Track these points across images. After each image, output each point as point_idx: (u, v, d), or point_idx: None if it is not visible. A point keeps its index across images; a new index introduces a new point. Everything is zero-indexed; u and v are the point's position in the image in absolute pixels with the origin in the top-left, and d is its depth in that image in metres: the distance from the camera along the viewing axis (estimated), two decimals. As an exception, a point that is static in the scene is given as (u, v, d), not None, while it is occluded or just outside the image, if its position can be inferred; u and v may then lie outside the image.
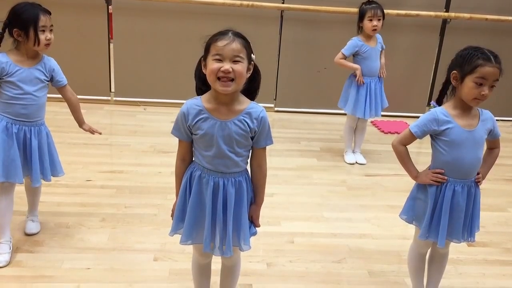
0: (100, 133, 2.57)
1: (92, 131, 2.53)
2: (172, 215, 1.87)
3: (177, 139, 1.79)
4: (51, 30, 2.28)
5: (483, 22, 4.68)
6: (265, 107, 1.80)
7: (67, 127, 4.08)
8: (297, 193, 3.25)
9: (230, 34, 1.62)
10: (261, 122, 1.72)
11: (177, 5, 4.47)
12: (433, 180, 1.95)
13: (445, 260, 2.17)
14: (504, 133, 4.72)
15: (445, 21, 4.77)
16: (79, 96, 4.93)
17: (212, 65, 1.61)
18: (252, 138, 1.73)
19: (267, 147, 1.78)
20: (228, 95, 1.67)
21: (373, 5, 3.51)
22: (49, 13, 2.27)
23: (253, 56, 1.69)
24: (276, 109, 4.87)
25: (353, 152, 3.87)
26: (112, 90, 4.76)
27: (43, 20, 2.21)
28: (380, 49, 3.66)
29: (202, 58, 1.69)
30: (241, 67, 1.62)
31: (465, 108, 1.91)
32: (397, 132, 4.55)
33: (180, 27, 4.57)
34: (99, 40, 4.58)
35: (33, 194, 2.55)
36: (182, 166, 1.80)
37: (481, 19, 4.66)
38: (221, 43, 1.60)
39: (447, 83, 1.95)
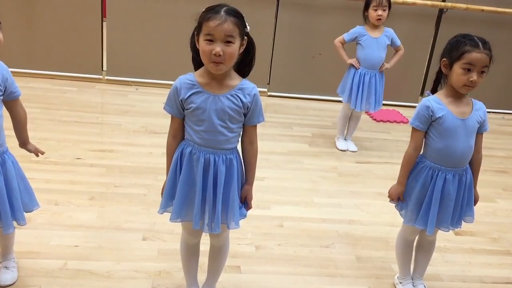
0: (43, 153, 2.07)
1: (37, 153, 2.02)
2: (162, 194, 1.86)
3: (169, 119, 1.78)
4: None
5: (479, 13, 4.67)
6: (258, 91, 1.79)
7: (57, 104, 4.06)
8: (288, 177, 3.25)
9: (222, 12, 1.58)
10: (253, 98, 1.72)
11: (173, -15, 4.42)
12: (393, 198, 2.05)
13: (432, 247, 2.19)
14: (495, 125, 4.79)
15: (441, 11, 4.76)
16: (71, 74, 4.94)
17: (204, 46, 1.60)
18: (244, 115, 1.73)
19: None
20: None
21: None
22: None
23: (247, 29, 1.66)
24: (269, 93, 4.86)
25: (345, 139, 3.88)
26: (104, 69, 4.71)
27: None
28: (387, 42, 3.56)
29: (195, 33, 1.67)
30: (232, 49, 1.61)
31: (457, 96, 1.91)
32: (389, 121, 4.56)
33: (174, 7, 4.52)
34: (92, 18, 4.52)
35: (4, 238, 2.00)
36: (174, 144, 1.79)
37: (477, 10, 4.65)
38: (212, 23, 1.57)
39: (440, 72, 1.95)
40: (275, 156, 3.54)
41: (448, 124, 1.90)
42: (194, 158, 1.73)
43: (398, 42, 3.62)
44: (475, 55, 1.80)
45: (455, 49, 1.85)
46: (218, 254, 2.01)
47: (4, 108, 1.85)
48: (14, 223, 1.88)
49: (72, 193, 2.75)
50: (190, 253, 2.00)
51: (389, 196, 2.08)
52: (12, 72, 1.83)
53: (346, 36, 3.56)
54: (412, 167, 2.01)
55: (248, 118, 1.74)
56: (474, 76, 1.81)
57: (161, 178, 2.99)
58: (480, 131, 1.96)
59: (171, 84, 1.74)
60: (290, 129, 4.13)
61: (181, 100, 1.70)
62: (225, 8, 1.60)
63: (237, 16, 1.61)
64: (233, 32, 1.59)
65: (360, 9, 3.62)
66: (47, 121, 3.69)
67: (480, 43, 1.81)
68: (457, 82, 1.85)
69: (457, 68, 1.84)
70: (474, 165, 2.01)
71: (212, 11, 1.60)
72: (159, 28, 4.58)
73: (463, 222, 2.07)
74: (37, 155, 2.04)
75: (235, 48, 1.61)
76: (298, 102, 4.82)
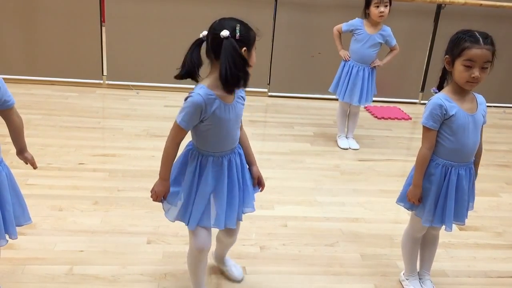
0: (36, 168, 2.00)
1: (33, 164, 1.97)
2: (163, 198, 1.87)
3: (170, 123, 1.79)
4: None
5: (477, 7, 4.67)
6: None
7: (59, 110, 4.07)
8: (291, 177, 3.26)
9: None
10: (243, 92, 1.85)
11: (171, -12, 4.42)
12: (414, 202, 2.00)
13: (437, 241, 2.19)
14: (497, 119, 4.78)
15: (439, 6, 4.75)
16: (71, 80, 4.95)
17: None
18: None
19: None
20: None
21: None
22: None
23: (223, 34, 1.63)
24: (269, 94, 4.85)
25: (346, 137, 3.88)
26: (105, 73, 4.72)
27: None
28: (379, 41, 3.56)
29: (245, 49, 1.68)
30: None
31: (463, 93, 1.91)
32: (390, 118, 4.56)
33: (173, 10, 4.53)
34: (91, 23, 4.53)
35: None
36: (176, 151, 1.84)
37: (475, 5, 4.64)
38: None
39: (445, 68, 1.94)
40: (277, 156, 3.54)
41: (461, 121, 1.89)
42: (218, 163, 1.81)
43: (394, 42, 3.62)
44: (475, 51, 1.79)
45: (455, 46, 1.84)
46: (229, 247, 2.15)
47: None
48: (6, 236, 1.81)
49: (75, 198, 2.76)
50: (201, 260, 1.94)
51: (408, 201, 2.02)
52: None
53: (344, 26, 3.61)
54: (425, 168, 1.97)
55: None
56: (476, 72, 1.80)
57: (164, 181, 3.01)
58: (483, 124, 1.99)
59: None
60: (291, 128, 4.13)
61: (203, 117, 1.72)
62: None
63: None
64: None
65: (358, 6, 3.62)
66: (49, 127, 3.70)
67: (481, 39, 1.80)
68: (460, 78, 1.85)
69: (458, 65, 1.83)
70: (476, 156, 2.02)
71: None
72: (158, 31, 4.59)
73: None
74: (34, 167, 1.98)
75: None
76: (298, 102, 4.82)
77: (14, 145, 1.90)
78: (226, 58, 1.64)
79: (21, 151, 1.93)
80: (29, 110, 3.90)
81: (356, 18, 3.59)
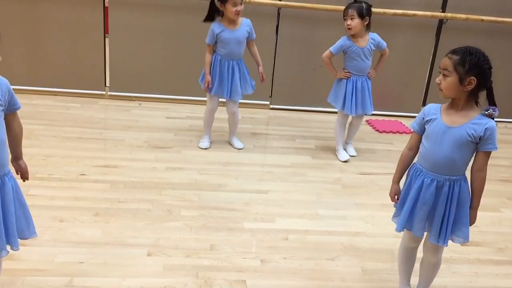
0: (26, 180, 1.99)
1: (24, 175, 1.96)
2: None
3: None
4: None
5: (479, 23, 4.69)
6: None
7: (61, 120, 4.08)
8: (292, 190, 3.25)
9: None
10: None
11: (174, 0, 4.45)
12: (392, 199, 2.13)
13: (433, 268, 2.16)
14: (498, 134, 4.73)
15: (441, 21, 4.78)
16: (74, 90, 4.96)
17: None
18: None
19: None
20: None
21: (350, 4, 3.58)
22: None
23: None
24: (271, 106, 4.86)
25: (346, 143, 3.95)
26: (107, 84, 4.74)
27: None
28: (372, 49, 3.64)
29: None
30: None
31: (455, 106, 1.92)
32: (391, 131, 4.57)
33: (176, 22, 4.55)
34: (94, 34, 4.56)
35: None
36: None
37: (477, 20, 4.67)
38: None
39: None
40: (278, 169, 3.54)
41: (434, 128, 1.93)
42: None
43: (384, 44, 3.68)
44: (442, 59, 1.91)
45: None
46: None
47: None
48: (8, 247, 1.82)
49: (76, 209, 2.76)
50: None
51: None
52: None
53: (333, 50, 3.64)
54: (404, 166, 2.10)
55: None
56: (437, 78, 1.91)
57: (165, 193, 3.03)
58: (481, 149, 1.89)
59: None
60: (293, 141, 4.13)
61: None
62: None
63: None
64: None
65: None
66: (51, 137, 3.71)
67: (453, 49, 1.88)
68: None
69: None
70: (474, 184, 1.94)
71: None
72: (160, 43, 4.61)
73: (451, 241, 2.01)
74: (23, 178, 1.96)
75: None
76: (300, 115, 4.82)
77: (10, 152, 1.90)
78: None
79: (16, 158, 1.94)
80: (31, 121, 3.91)
81: (341, 38, 3.64)
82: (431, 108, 1.98)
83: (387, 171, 3.67)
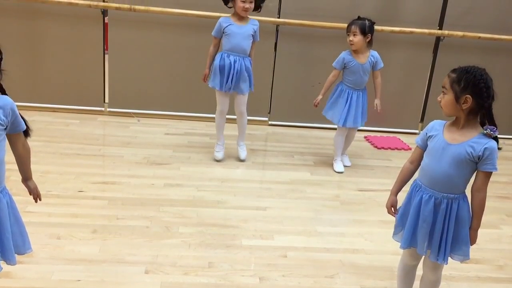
0: (37, 201, 2.04)
1: (35, 195, 2.01)
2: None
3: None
4: None
5: (476, 40, 4.73)
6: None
7: (59, 137, 4.08)
8: (291, 207, 3.24)
9: None
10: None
11: (173, 18, 4.48)
12: (388, 210, 2.13)
13: (434, 286, 2.15)
14: (496, 150, 4.77)
15: (438, 39, 4.82)
16: (73, 107, 4.97)
17: None
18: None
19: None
20: None
21: (353, 20, 3.66)
22: None
23: None
24: (270, 122, 4.87)
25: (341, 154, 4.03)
26: (106, 101, 4.75)
27: None
28: (370, 66, 3.72)
29: None
30: None
31: (457, 124, 1.92)
32: (390, 148, 4.57)
33: (175, 39, 4.59)
34: (94, 51, 4.59)
35: None
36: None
37: (474, 37, 4.71)
38: None
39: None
40: (277, 185, 3.53)
41: (434, 144, 1.94)
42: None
43: (381, 65, 3.76)
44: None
45: None
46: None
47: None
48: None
49: (74, 226, 2.74)
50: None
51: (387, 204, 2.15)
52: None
53: (336, 65, 3.73)
54: (404, 179, 2.11)
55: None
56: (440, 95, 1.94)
57: (164, 210, 3.02)
58: (480, 169, 1.90)
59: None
60: (291, 157, 4.13)
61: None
62: None
63: None
64: None
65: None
66: (49, 154, 3.71)
67: (454, 68, 1.90)
68: None
69: None
70: (473, 204, 1.94)
71: None
72: (159, 60, 4.64)
73: (451, 258, 2.00)
74: (35, 199, 1.99)
75: None
76: (299, 131, 4.83)
77: (20, 172, 1.94)
78: None
79: (25, 179, 1.97)
80: (30, 137, 3.90)
81: (342, 52, 3.72)
82: (435, 124, 1.99)
83: (385, 187, 3.65)
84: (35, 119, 4.39)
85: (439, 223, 1.95)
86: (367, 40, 3.64)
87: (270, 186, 3.49)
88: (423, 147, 2.02)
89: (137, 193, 3.20)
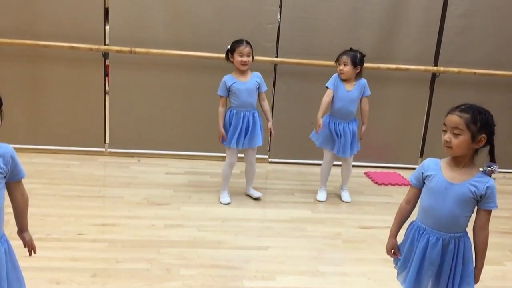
0: (31, 254, 1.98)
1: (30, 248, 1.95)
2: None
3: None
4: None
5: (471, 76, 4.79)
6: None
7: (60, 179, 4.08)
8: (292, 246, 3.21)
9: None
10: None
11: (173, 59, 4.56)
12: (387, 251, 2.15)
13: None
14: (497, 185, 4.75)
15: (434, 75, 4.88)
16: (73, 148, 4.99)
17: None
18: None
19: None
20: None
21: (345, 51, 3.76)
22: None
23: None
24: (270, 160, 4.89)
25: (341, 189, 4.08)
26: (107, 141, 4.77)
27: None
28: (359, 95, 3.79)
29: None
30: None
31: (457, 163, 1.93)
32: (390, 183, 4.56)
33: (174, 80, 4.65)
34: (95, 93, 4.64)
35: None
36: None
37: (469, 73, 4.77)
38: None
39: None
40: (278, 223, 3.51)
41: (435, 184, 1.93)
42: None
43: (368, 92, 3.83)
44: (448, 117, 1.90)
45: None
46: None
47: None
48: None
49: (74, 270, 2.71)
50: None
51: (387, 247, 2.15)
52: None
53: (329, 85, 3.82)
54: (402, 220, 2.10)
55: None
56: (445, 136, 1.89)
57: (164, 251, 2.99)
58: (482, 207, 1.92)
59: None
60: (292, 195, 4.12)
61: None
62: None
63: None
64: None
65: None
66: (49, 196, 3.70)
67: (458, 107, 1.88)
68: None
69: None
70: (477, 243, 1.94)
71: None
72: (159, 100, 4.68)
73: None
74: (30, 253, 1.94)
75: None
76: (299, 168, 4.84)
77: (15, 222, 1.90)
78: None
79: (21, 230, 1.92)
80: (30, 179, 3.86)
81: (335, 74, 3.84)
82: (431, 163, 1.98)
83: (387, 224, 3.60)
84: (36, 161, 4.41)
85: (447, 264, 1.94)
86: (357, 71, 3.74)
87: (271, 225, 3.46)
88: (419, 186, 2.02)
89: (137, 235, 3.18)
